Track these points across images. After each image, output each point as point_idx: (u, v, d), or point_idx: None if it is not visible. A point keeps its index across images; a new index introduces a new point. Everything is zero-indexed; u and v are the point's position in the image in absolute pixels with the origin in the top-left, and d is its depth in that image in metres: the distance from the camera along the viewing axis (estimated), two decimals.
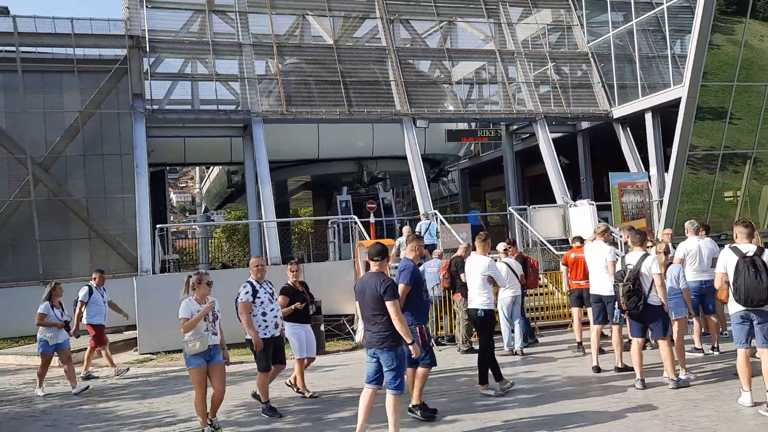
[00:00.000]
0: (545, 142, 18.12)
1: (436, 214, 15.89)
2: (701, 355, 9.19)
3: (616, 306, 8.06)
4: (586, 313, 10.24)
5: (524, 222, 15.97)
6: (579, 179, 20.35)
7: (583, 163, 20.31)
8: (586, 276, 9.47)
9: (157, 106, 16.61)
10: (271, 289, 7.23)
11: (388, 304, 5.70)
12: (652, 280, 7.36)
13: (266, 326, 7.07)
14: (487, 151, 25.16)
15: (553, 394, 7.45)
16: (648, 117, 17.72)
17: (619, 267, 7.67)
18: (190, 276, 6.48)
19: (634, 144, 18.52)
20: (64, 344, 9.40)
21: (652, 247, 8.63)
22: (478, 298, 7.82)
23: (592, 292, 8.88)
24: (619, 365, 8.46)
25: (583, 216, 15.83)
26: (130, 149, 15.38)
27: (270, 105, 17.21)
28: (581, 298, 10.00)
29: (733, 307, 6.61)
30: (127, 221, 15.37)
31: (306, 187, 26.26)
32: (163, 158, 19.66)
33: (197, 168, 39.45)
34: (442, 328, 11.69)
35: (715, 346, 9.36)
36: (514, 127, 20.57)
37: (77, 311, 10.25)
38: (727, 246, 7.13)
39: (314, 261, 18.06)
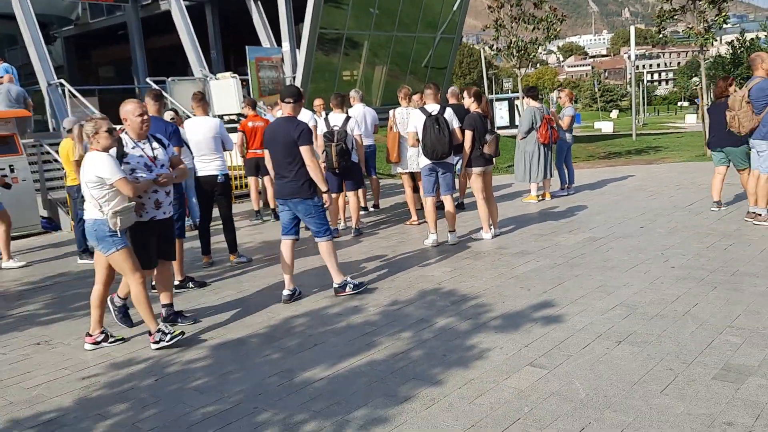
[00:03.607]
0: (179, 9, 16.91)
1: (62, 84, 13.70)
2: (364, 212, 10.27)
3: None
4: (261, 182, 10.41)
5: (168, 97, 14.94)
6: (208, 53, 19.74)
7: (212, 35, 19.71)
8: (262, 145, 9.50)
9: None
10: (152, 149, 4.80)
11: (303, 150, 5.37)
12: (353, 140, 7.85)
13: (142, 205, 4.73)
14: (98, 17, 22.26)
15: (264, 260, 7.50)
16: None
17: (323, 129, 7.89)
18: (82, 124, 4.44)
19: (266, 19, 18.64)
20: None
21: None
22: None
23: None
24: None
25: (227, 89, 15.56)
26: None
27: None
28: (257, 167, 10.06)
29: (422, 161, 7.51)
30: None
31: None
32: None
33: None
34: None
35: (376, 204, 10.58)
36: None
37: None
38: (414, 107, 7.96)
39: None
